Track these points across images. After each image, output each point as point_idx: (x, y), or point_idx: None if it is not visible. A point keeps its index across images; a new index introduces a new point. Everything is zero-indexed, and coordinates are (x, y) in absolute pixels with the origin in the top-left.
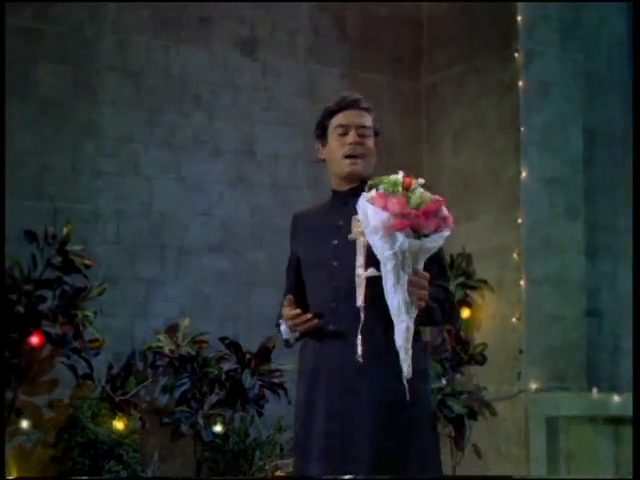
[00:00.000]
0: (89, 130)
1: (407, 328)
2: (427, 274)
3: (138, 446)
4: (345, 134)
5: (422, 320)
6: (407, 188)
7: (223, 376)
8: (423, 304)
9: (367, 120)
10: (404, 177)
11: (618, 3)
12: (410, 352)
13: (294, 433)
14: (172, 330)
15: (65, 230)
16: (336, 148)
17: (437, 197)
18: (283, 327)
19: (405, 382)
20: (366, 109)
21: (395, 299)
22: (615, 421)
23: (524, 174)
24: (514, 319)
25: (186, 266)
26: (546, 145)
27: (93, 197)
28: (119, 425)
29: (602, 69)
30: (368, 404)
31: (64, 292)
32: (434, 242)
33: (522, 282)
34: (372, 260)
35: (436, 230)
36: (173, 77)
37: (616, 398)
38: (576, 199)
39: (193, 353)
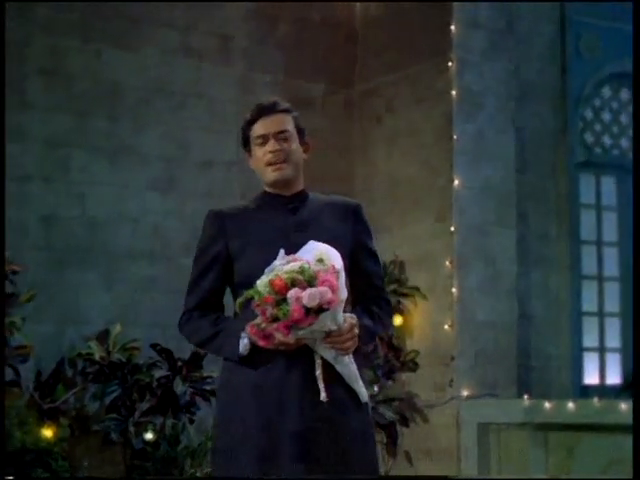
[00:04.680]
0: (17, 134)
1: (342, 370)
2: (343, 328)
3: (67, 454)
4: (265, 143)
5: (366, 343)
6: (278, 292)
7: (154, 383)
8: (349, 351)
9: (286, 123)
10: (272, 282)
11: (549, 13)
12: (358, 380)
13: (227, 437)
14: (103, 337)
15: None
16: (259, 157)
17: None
18: (245, 341)
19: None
20: (284, 111)
21: (324, 354)
22: (545, 427)
23: (457, 182)
24: (446, 326)
25: (117, 272)
26: (478, 153)
27: (22, 202)
28: (47, 433)
29: (534, 77)
30: (329, 407)
31: None
32: (325, 320)
33: (454, 289)
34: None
35: (317, 317)
36: (104, 81)
37: (546, 405)
38: (508, 207)
39: (124, 360)
